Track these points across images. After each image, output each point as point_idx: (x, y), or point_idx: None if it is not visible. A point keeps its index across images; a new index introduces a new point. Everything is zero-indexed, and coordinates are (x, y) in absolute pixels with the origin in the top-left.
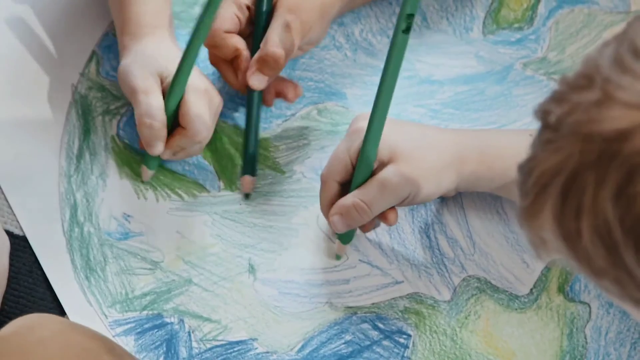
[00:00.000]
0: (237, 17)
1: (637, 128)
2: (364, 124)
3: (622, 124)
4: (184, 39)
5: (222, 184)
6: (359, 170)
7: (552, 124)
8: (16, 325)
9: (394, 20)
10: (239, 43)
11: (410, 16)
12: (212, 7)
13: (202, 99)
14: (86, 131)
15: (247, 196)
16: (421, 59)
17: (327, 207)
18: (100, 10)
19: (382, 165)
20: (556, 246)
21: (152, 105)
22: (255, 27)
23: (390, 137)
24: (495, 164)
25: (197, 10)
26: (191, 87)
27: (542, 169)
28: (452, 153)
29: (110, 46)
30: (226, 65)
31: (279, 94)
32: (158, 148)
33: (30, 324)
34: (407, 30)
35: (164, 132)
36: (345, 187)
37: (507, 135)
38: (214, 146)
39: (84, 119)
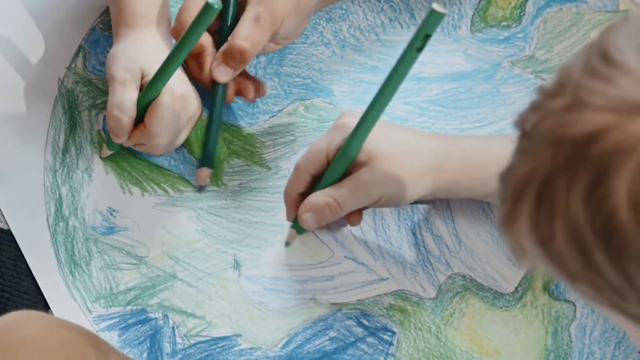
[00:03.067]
0: None
1: (605, 130)
2: (349, 120)
3: (591, 126)
4: None
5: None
6: (334, 166)
7: (527, 131)
8: (4, 320)
9: (382, 17)
10: (204, 39)
11: (427, 37)
12: (205, 18)
13: (174, 104)
14: (72, 125)
15: (201, 189)
16: None
17: (293, 196)
18: (89, 5)
19: (358, 165)
20: (534, 253)
21: (125, 98)
22: (223, 19)
23: (372, 139)
24: (475, 173)
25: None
26: (168, 90)
27: (518, 176)
28: (431, 160)
29: (97, 41)
30: (191, 59)
31: (239, 92)
32: (121, 139)
33: (14, 322)
34: (421, 49)
35: (129, 126)
36: (316, 179)
37: (490, 144)
38: (201, 142)
39: (70, 113)
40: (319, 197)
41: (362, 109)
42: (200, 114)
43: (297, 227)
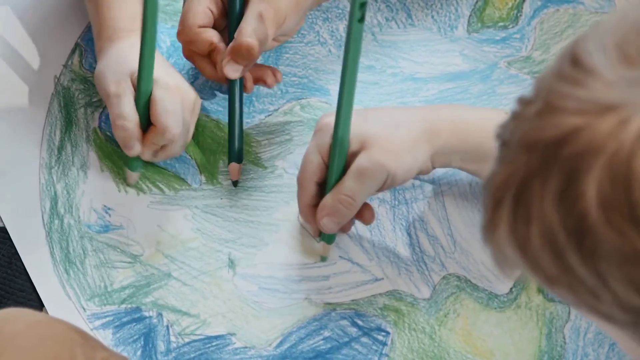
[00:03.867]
0: (210, 10)
1: (574, 132)
2: (329, 119)
3: (561, 129)
4: (169, 33)
5: (203, 178)
6: (333, 165)
7: (505, 140)
8: None
9: (379, 17)
10: (214, 37)
11: (364, 5)
12: (152, 8)
13: (173, 95)
14: (68, 123)
15: (235, 184)
16: (405, 56)
17: (308, 209)
18: (84, 3)
19: (355, 155)
20: (514, 258)
21: (122, 107)
22: (229, 19)
23: (358, 126)
24: (468, 136)
25: (181, 4)
26: (160, 84)
27: (496, 183)
28: (423, 126)
29: (94, 39)
30: (202, 58)
31: (258, 80)
32: (135, 149)
33: (4, 318)
34: (362, 19)
35: (136, 131)
36: (322, 187)
37: (480, 111)
38: (195, 140)
39: (66, 110)
40: (329, 199)
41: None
42: (200, 105)
43: (325, 237)
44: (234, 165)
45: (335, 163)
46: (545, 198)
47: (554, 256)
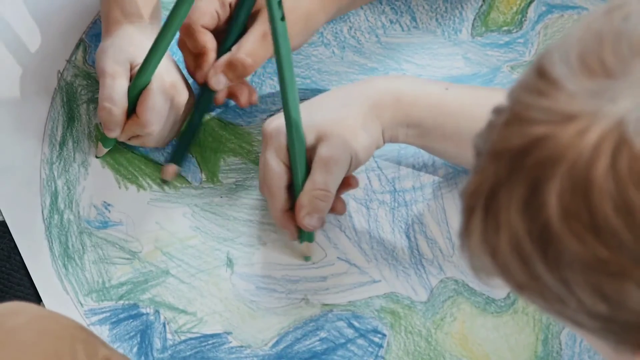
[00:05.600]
0: (217, 13)
1: (538, 141)
2: (276, 123)
3: (526, 138)
4: None
5: (203, 176)
6: (296, 165)
7: (479, 150)
8: None
9: (383, 19)
10: (209, 42)
11: (281, 3)
12: (185, 4)
13: (164, 92)
14: (70, 119)
15: (164, 182)
16: (408, 59)
17: (283, 215)
18: None
19: (314, 148)
20: (487, 265)
21: (115, 90)
22: (231, 26)
23: (308, 119)
24: (411, 111)
25: None
26: (157, 79)
27: (469, 191)
28: (368, 102)
29: (98, 35)
30: (190, 53)
31: (232, 95)
32: (114, 132)
33: (6, 312)
34: (284, 17)
35: (121, 117)
36: (290, 190)
37: (421, 84)
38: (197, 138)
39: (68, 106)
40: (304, 197)
41: (279, 115)
42: (192, 104)
43: (306, 237)
44: (171, 166)
45: (298, 162)
46: (512, 206)
47: (521, 264)
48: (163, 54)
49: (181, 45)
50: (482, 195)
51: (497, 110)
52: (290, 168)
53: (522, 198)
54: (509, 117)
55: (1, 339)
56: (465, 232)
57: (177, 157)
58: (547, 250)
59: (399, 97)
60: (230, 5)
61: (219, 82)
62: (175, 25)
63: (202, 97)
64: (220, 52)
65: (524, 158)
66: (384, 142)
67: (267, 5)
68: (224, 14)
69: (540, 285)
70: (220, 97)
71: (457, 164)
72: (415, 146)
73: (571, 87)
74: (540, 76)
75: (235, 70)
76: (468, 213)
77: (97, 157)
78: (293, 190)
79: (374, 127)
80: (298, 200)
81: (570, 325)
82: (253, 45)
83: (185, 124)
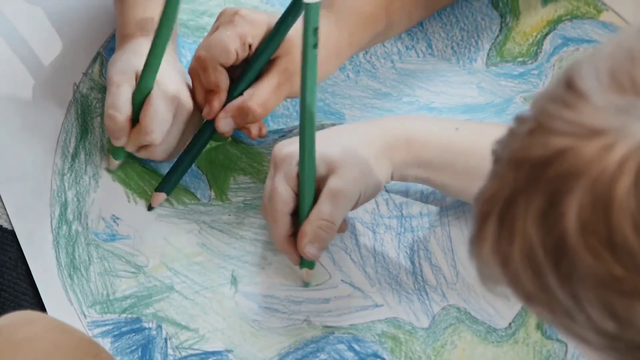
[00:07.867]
0: (237, 53)
1: (560, 153)
2: (288, 148)
3: (548, 149)
4: (190, 47)
5: (213, 194)
6: (304, 193)
7: (497, 156)
8: (8, 319)
9: (399, 45)
10: (223, 82)
11: (316, 30)
12: (172, 10)
13: (167, 102)
14: (84, 131)
15: (149, 209)
16: (422, 85)
17: (286, 240)
18: (109, 12)
19: (324, 179)
20: (496, 273)
21: (118, 97)
22: (248, 70)
23: (322, 150)
24: (421, 152)
25: (205, 20)
26: (160, 87)
27: (484, 198)
28: (380, 142)
29: (115, 48)
30: (200, 85)
31: (242, 128)
32: (120, 141)
33: (21, 320)
34: (316, 45)
35: (125, 125)
36: (295, 216)
37: (432, 124)
38: (207, 156)
39: (82, 118)
40: (308, 226)
41: (291, 140)
42: (198, 119)
43: (307, 264)
44: (160, 194)
45: (307, 190)
46: (529, 216)
47: (533, 274)
48: (161, 57)
49: (192, 73)
50: (498, 203)
51: (519, 118)
52: (298, 195)
53: (540, 208)
54: (533, 125)
55: (17, 346)
56: (477, 238)
57: (168, 186)
58: (560, 263)
59: (410, 139)
60: (250, 46)
61: (227, 126)
62: (169, 23)
63: (204, 131)
64: (231, 89)
65: (545, 168)
66: (392, 181)
67: (303, 31)
68: (243, 54)
69: (550, 298)
70: (227, 134)
71: (465, 200)
72: (425, 184)
73: (598, 101)
74: (568, 87)
75: (245, 118)
76: (482, 219)
77: (107, 169)
78: (297, 216)
79: (384, 167)
80: (302, 228)
81: (575, 340)
82: (266, 95)
83: (181, 154)
